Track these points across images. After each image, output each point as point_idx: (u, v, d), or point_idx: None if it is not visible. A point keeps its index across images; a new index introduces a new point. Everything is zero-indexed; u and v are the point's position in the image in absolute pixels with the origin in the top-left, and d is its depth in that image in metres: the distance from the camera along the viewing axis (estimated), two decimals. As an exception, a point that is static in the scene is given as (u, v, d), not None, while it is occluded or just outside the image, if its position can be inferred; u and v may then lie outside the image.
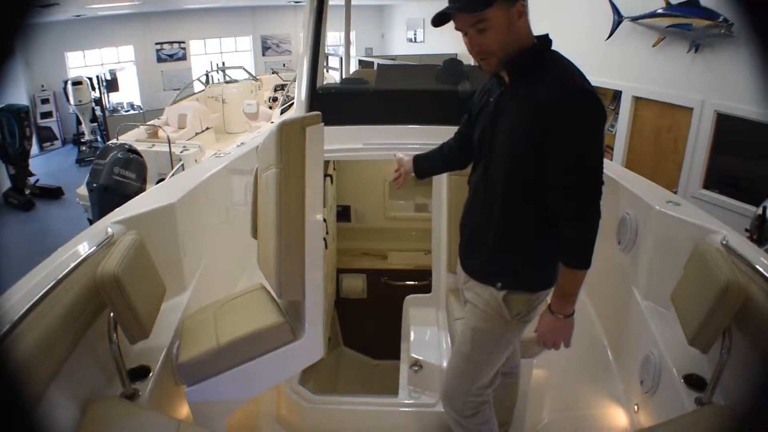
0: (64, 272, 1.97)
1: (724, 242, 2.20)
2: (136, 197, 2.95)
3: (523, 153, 1.76)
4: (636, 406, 2.51)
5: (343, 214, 4.34)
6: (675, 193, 6.64)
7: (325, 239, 3.15)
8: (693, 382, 2.14)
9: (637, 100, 7.63)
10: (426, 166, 2.32)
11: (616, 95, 8.15)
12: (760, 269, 1.96)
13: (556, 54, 1.78)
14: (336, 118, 2.88)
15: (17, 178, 10.33)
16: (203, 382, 2.15)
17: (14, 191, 10.05)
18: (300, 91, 3.07)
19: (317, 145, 2.04)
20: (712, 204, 6.32)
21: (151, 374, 2.22)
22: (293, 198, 2.02)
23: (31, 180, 10.71)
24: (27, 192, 10.32)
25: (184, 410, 2.26)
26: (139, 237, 2.31)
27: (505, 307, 1.90)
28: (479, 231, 1.96)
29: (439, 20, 1.73)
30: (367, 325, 3.88)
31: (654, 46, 6.98)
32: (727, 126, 6.21)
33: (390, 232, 4.34)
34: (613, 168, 3.51)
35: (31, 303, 1.74)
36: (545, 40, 1.78)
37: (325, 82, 4.80)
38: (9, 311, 1.72)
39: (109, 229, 2.36)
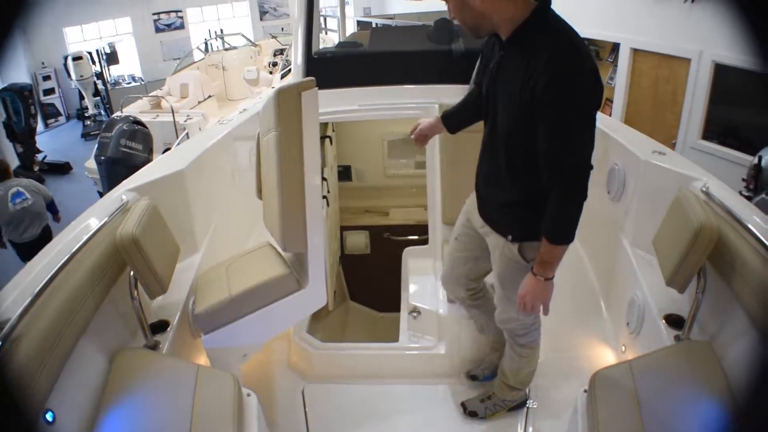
0: (87, 237, 2.15)
1: (704, 189, 2.31)
2: (146, 167, 3.10)
3: (519, 119, 1.81)
4: (623, 347, 2.66)
5: (345, 173, 4.48)
6: (674, 144, 6.75)
7: (327, 198, 3.30)
8: (673, 321, 2.28)
9: (635, 52, 7.62)
10: (455, 120, 2.40)
11: (615, 47, 8.14)
12: (735, 212, 2.07)
13: (555, 21, 1.76)
14: (332, 81, 3.00)
15: (25, 156, 10.50)
16: (218, 330, 2.33)
17: (23, 169, 10.20)
18: (296, 57, 3.17)
19: (313, 108, 2.17)
20: (712, 155, 6.36)
21: (170, 327, 2.40)
22: (292, 158, 2.16)
23: (39, 157, 10.88)
24: (36, 169, 10.49)
25: (201, 359, 2.45)
26: (152, 202, 2.46)
27: (519, 255, 2.05)
28: (489, 185, 2.12)
29: None
30: (372, 279, 4.05)
31: (651, -4, 6.96)
32: (725, 76, 6.20)
33: (390, 189, 4.49)
34: (605, 121, 3.60)
35: (57, 267, 1.91)
36: (541, 8, 1.76)
37: (323, 45, 4.88)
38: (37, 276, 1.90)
39: (124, 197, 2.53)
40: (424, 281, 3.16)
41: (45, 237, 5.90)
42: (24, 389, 1.50)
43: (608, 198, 3.08)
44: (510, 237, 2.04)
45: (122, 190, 2.61)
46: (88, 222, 2.33)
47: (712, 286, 2.09)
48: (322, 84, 2.24)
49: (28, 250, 5.69)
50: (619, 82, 8.02)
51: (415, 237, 3.90)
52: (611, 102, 8.37)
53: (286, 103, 2.11)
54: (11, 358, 1.51)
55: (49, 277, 1.83)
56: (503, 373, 2.54)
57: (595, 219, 3.43)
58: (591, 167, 1.78)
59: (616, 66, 8.12)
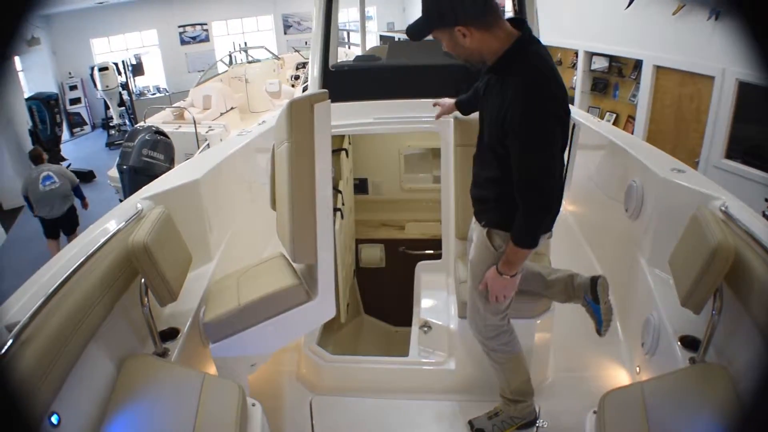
0: (98, 244, 2.18)
1: (723, 208, 2.25)
2: (162, 176, 3.13)
3: (498, 137, 2.05)
4: (638, 368, 2.61)
5: (361, 186, 4.48)
6: (697, 163, 6.65)
7: (341, 210, 3.30)
8: (688, 342, 2.22)
9: (658, 69, 7.56)
10: (467, 104, 2.70)
11: (638, 64, 8.08)
12: (755, 233, 2.02)
13: (532, 51, 1.97)
14: (349, 94, 3.01)
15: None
16: (226, 339, 2.33)
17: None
18: (313, 69, 3.20)
19: (325, 120, 2.17)
20: (735, 174, 6.26)
21: (180, 335, 2.41)
22: (304, 170, 2.17)
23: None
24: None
25: (210, 368, 2.45)
26: (166, 210, 2.49)
27: (488, 240, 2.24)
28: (475, 185, 2.36)
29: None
30: (386, 293, 4.03)
31: (674, 14, 6.90)
32: (749, 94, 6.10)
33: (407, 203, 4.47)
34: (624, 138, 3.57)
35: (69, 272, 1.94)
36: (520, 40, 1.97)
37: (345, 59, 4.91)
38: (48, 280, 1.92)
39: (139, 205, 2.56)
40: (436, 296, 3.14)
41: (70, 216, 6.93)
42: (30, 391, 1.51)
43: (626, 215, 3.04)
44: (483, 223, 2.28)
45: (138, 198, 2.64)
46: (101, 229, 2.37)
47: (729, 307, 2.03)
48: (339, 96, 2.25)
49: (52, 226, 6.85)
50: (641, 99, 7.96)
51: (431, 251, 3.89)
52: (633, 120, 8.30)
53: (299, 114, 2.12)
54: (19, 360, 1.53)
55: (60, 281, 1.85)
56: (501, 388, 2.54)
57: (611, 236, 3.39)
58: (558, 183, 2.02)
59: (638, 83, 8.06)
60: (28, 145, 10.55)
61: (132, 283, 2.29)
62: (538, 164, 1.95)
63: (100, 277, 2.06)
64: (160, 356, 2.26)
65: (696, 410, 1.79)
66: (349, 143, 3.85)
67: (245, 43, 14.54)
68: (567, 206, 4.38)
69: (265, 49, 13.01)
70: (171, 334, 2.41)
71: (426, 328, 2.93)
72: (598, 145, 3.80)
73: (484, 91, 2.20)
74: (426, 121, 2.94)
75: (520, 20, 2.06)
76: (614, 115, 8.86)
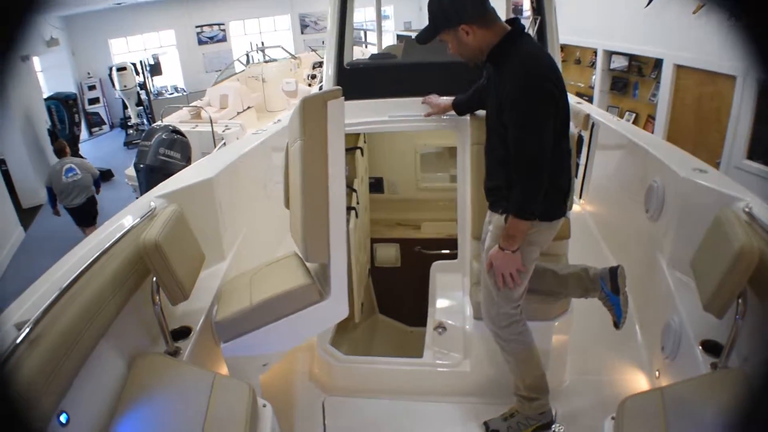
0: (110, 242, 2.17)
1: (747, 209, 2.19)
2: (176, 174, 3.12)
3: (498, 120, 2.21)
4: (657, 372, 2.55)
5: (376, 185, 4.44)
6: (718, 164, 6.54)
7: (356, 209, 3.27)
8: (710, 347, 2.16)
9: (679, 69, 7.45)
10: (464, 104, 2.81)
11: (658, 63, 7.97)
12: None
13: (526, 42, 2.19)
14: (364, 92, 2.98)
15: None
16: (237, 339, 2.31)
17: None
18: (327, 67, 3.17)
19: (338, 118, 2.15)
20: (757, 175, 6.15)
21: (192, 334, 2.39)
22: (317, 167, 2.15)
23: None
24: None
25: (222, 368, 2.43)
26: (179, 209, 2.47)
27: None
28: (489, 178, 2.43)
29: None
30: (402, 293, 3.99)
31: (694, 12, 6.79)
32: (772, 94, 6.01)
33: (423, 202, 4.42)
34: (643, 136, 3.50)
35: (79, 271, 1.93)
36: (511, 32, 2.17)
37: (362, 57, 4.88)
38: (59, 279, 1.91)
39: (152, 203, 2.55)
40: (451, 297, 3.09)
41: (90, 205, 7.33)
42: (38, 390, 1.50)
43: (646, 216, 2.98)
44: (500, 211, 2.32)
45: (151, 197, 2.63)
46: (114, 227, 2.36)
47: (753, 312, 1.97)
48: (354, 94, 2.22)
49: (77, 214, 7.28)
50: (661, 99, 7.85)
51: (447, 251, 3.85)
52: (653, 119, 8.19)
53: (312, 111, 2.10)
54: (27, 359, 1.51)
55: (70, 280, 1.84)
56: (515, 386, 2.50)
57: (631, 237, 3.33)
58: (548, 156, 2.09)
59: (658, 82, 7.95)
60: (47, 144, 10.68)
61: (144, 282, 2.28)
62: (530, 137, 2.07)
63: (112, 275, 2.05)
64: (172, 355, 2.25)
65: (718, 419, 1.73)
66: (365, 141, 3.82)
67: (262, 43, 14.58)
68: (585, 206, 4.32)
69: (282, 48, 13.03)
70: (183, 333, 2.39)
71: (441, 329, 2.89)
72: (618, 144, 3.74)
73: (487, 85, 2.39)
74: (443, 119, 2.90)
75: (513, 19, 2.27)
76: (634, 115, 8.76)
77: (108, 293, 1.99)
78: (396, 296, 4.22)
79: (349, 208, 3.20)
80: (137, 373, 2.00)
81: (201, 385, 1.96)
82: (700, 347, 2.18)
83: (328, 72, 3.16)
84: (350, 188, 3.37)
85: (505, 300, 2.35)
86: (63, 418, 1.64)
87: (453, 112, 2.86)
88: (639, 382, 2.67)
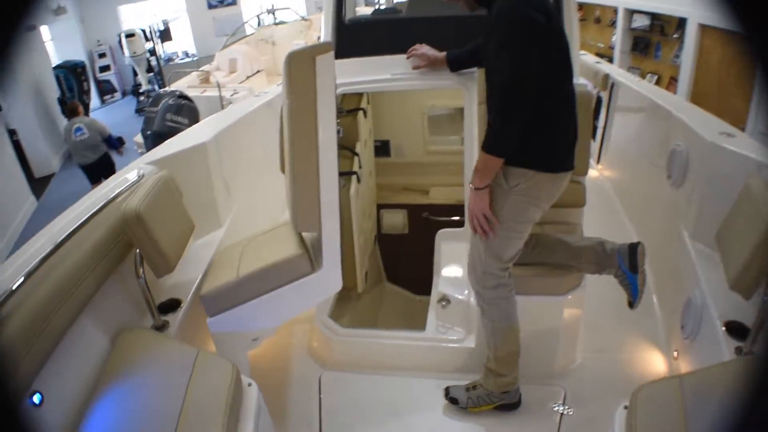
0: (91, 212, 2.04)
1: None
2: (169, 139, 2.98)
3: (490, 62, 2.13)
4: (676, 353, 2.39)
5: (382, 149, 4.23)
6: (743, 129, 6.27)
7: (358, 173, 3.10)
8: (735, 329, 1.99)
9: (703, 29, 7.11)
10: (457, 63, 2.65)
11: (681, 23, 7.63)
12: None
13: None
14: (365, 49, 2.77)
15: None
16: (223, 313, 2.18)
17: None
18: (327, 22, 2.96)
19: (328, 75, 1.97)
20: (785, 140, 5.90)
21: (181, 307, 2.27)
22: (305, 130, 1.98)
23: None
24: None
25: (211, 343, 2.32)
26: (167, 175, 2.33)
27: (503, 177, 2.12)
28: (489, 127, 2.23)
29: None
30: (409, 260, 3.84)
31: (723, -34, 6.45)
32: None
33: (431, 166, 4.22)
34: (667, 98, 3.29)
35: (56, 243, 1.81)
36: None
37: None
38: (37, 250, 1.79)
39: (140, 171, 2.40)
40: (456, 267, 2.94)
41: (104, 162, 7.61)
42: (7, 370, 1.39)
43: (668, 183, 2.79)
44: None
45: (141, 164, 2.49)
46: (98, 195, 2.22)
47: None
48: (354, 51, 2.04)
49: (91, 172, 7.54)
50: (684, 60, 7.53)
51: (457, 218, 3.69)
52: (676, 81, 7.88)
53: (298, 69, 1.92)
54: None
55: (45, 253, 1.72)
56: (486, 357, 2.37)
57: (652, 205, 3.15)
58: (528, 90, 1.93)
59: (682, 43, 7.62)
60: (58, 114, 10.61)
61: (129, 254, 2.15)
62: (508, 64, 1.94)
63: (93, 247, 1.93)
64: (159, 329, 2.14)
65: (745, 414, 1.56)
66: (368, 103, 3.62)
67: (272, 5, 14.29)
68: (603, 171, 4.13)
69: (291, 10, 12.78)
70: (172, 305, 2.28)
71: (444, 302, 2.75)
72: (639, 106, 3.53)
73: (485, 38, 2.25)
74: (448, 78, 2.70)
75: None
76: (656, 77, 8.43)
77: (87, 266, 1.87)
78: (404, 264, 4.08)
79: (350, 173, 3.04)
80: (119, 350, 1.89)
81: (183, 362, 1.84)
82: (724, 328, 2.01)
83: (327, 28, 2.96)
84: (352, 151, 3.20)
85: (493, 258, 2.21)
86: (36, 399, 1.53)
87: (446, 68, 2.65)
88: (655, 362, 2.52)
